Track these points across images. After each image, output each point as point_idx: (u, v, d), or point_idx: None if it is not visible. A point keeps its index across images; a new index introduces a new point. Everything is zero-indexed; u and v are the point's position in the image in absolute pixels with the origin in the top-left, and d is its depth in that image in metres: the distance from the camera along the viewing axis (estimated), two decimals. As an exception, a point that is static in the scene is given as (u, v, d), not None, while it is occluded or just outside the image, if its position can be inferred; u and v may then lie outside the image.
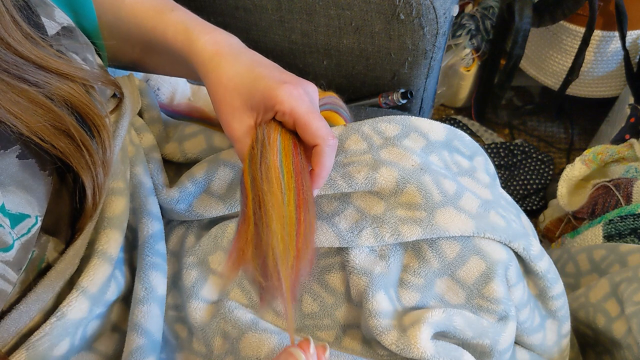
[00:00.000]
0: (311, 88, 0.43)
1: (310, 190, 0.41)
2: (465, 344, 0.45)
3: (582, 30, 1.06)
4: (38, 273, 0.37)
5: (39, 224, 0.34)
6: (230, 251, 0.37)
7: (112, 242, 0.41)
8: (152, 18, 0.46)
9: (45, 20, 0.39)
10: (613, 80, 1.16)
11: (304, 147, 0.42)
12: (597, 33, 1.06)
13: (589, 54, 1.11)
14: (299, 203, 0.38)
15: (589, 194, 0.84)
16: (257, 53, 0.45)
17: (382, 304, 0.43)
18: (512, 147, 1.30)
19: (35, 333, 0.36)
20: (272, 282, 0.34)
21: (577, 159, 0.88)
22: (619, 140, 0.95)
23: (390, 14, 0.67)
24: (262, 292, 0.35)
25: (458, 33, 1.28)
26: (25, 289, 0.36)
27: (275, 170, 0.38)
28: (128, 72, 0.57)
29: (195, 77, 0.46)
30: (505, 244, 0.46)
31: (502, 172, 1.27)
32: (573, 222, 0.88)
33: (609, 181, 0.82)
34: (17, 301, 0.35)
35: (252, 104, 0.42)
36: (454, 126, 0.56)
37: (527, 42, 1.07)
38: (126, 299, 0.45)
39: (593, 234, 0.76)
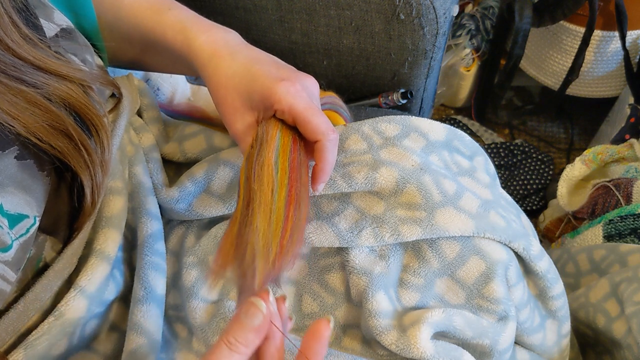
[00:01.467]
0: (309, 82, 0.43)
1: (306, 187, 0.41)
2: (465, 344, 0.45)
3: (582, 30, 1.06)
4: (36, 272, 0.37)
5: (37, 224, 0.34)
6: (217, 252, 0.36)
7: (110, 242, 0.41)
8: (151, 18, 0.46)
9: (44, 22, 0.39)
10: (613, 80, 1.16)
11: (305, 143, 0.42)
12: (597, 33, 1.06)
13: (589, 54, 1.11)
14: (290, 200, 0.38)
15: (589, 194, 0.84)
16: (254, 49, 0.45)
17: (382, 304, 0.43)
18: (512, 147, 1.30)
19: (34, 332, 0.36)
20: (246, 280, 0.33)
21: (577, 159, 0.88)
22: (619, 140, 0.95)
23: (390, 14, 0.67)
24: (239, 292, 0.35)
25: (458, 33, 1.28)
26: (23, 289, 0.36)
27: (269, 168, 0.38)
28: (127, 72, 0.57)
29: (197, 74, 0.47)
30: (505, 244, 0.46)
31: (502, 172, 1.27)
32: (573, 222, 0.88)
33: (609, 181, 0.81)
34: (15, 300, 0.35)
35: (252, 103, 0.42)
36: (454, 126, 0.56)
37: (527, 42, 1.07)
38: (125, 299, 0.45)
39: (593, 234, 0.76)
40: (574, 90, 1.19)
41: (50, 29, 0.40)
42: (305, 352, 0.31)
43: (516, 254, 0.47)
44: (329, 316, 0.34)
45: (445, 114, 1.43)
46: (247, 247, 0.34)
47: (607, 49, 1.10)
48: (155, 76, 0.69)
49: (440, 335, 0.44)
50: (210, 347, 0.44)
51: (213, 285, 0.47)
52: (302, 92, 0.40)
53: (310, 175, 0.42)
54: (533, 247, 0.47)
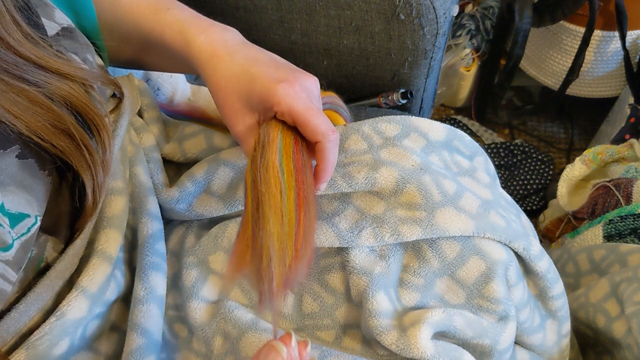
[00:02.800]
0: (308, 81, 0.42)
1: (312, 188, 0.41)
2: (465, 344, 0.45)
3: (582, 30, 1.06)
4: (37, 273, 0.37)
5: (39, 223, 0.34)
6: (230, 255, 0.36)
7: (112, 242, 0.41)
8: (149, 18, 0.46)
9: (45, 21, 0.39)
10: (613, 80, 1.16)
11: (307, 143, 0.42)
12: (597, 33, 1.06)
13: (589, 54, 1.11)
14: (299, 202, 0.38)
15: (589, 194, 0.84)
16: (253, 48, 0.44)
17: (382, 304, 0.43)
18: (512, 147, 1.30)
19: (35, 333, 0.36)
20: (265, 284, 0.33)
21: (577, 159, 0.88)
22: (619, 140, 0.95)
23: (390, 14, 0.67)
24: (260, 295, 0.35)
25: (458, 33, 1.28)
26: (25, 289, 0.36)
27: (274, 170, 0.38)
28: (128, 72, 0.57)
29: (197, 73, 0.47)
30: (505, 244, 0.46)
31: (502, 172, 1.27)
32: (573, 222, 0.88)
33: (609, 181, 0.81)
34: (17, 301, 0.35)
35: (251, 104, 0.42)
36: (454, 126, 0.56)
37: (527, 42, 1.07)
38: (126, 299, 0.45)
39: (593, 234, 0.76)
40: (574, 90, 1.19)
41: (51, 28, 0.40)
42: None
43: (516, 254, 0.47)
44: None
45: (445, 114, 1.43)
46: (263, 251, 0.34)
47: (607, 49, 1.10)
48: (155, 76, 0.69)
49: (440, 335, 0.44)
50: (210, 347, 0.44)
51: (227, 289, 0.47)
52: (301, 94, 0.40)
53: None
54: (533, 247, 0.47)
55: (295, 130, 0.42)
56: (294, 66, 0.44)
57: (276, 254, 0.34)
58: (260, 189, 0.37)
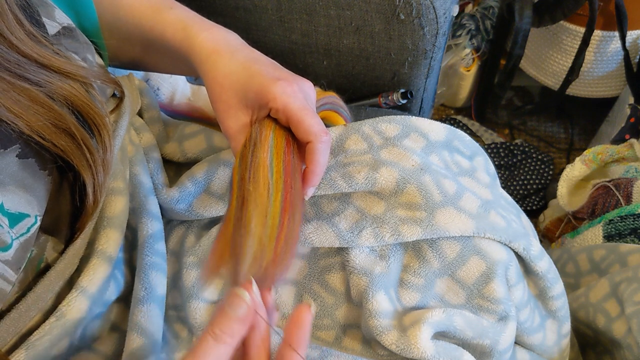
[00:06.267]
0: (306, 85, 0.43)
1: (300, 193, 0.40)
2: (465, 344, 0.45)
3: (582, 30, 1.06)
4: (37, 273, 0.37)
5: (38, 223, 0.34)
6: (210, 253, 0.36)
7: (112, 242, 0.41)
8: (151, 17, 0.46)
9: (45, 20, 0.39)
10: (613, 80, 1.16)
11: (297, 145, 0.42)
12: (597, 33, 1.06)
13: (589, 54, 1.11)
14: (285, 206, 0.37)
15: (589, 194, 0.84)
16: (255, 50, 0.45)
17: (382, 304, 0.43)
18: (512, 147, 1.30)
19: (35, 333, 0.36)
20: (238, 283, 0.33)
21: (577, 159, 0.88)
22: (619, 140, 0.95)
23: (390, 14, 0.67)
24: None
25: (458, 33, 1.28)
26: (25, 289, 0.36)
27: (264, 169, 0.38)
28: (128, 72, 0.57)
29: (196, 74, 0.47)
30: (505, 244, 0.46)
31: (502, 172, 1.27)
32: (573, 222, 0.88)
33: (609, 181, 0.81)
34: (17, 301, 0.35)
35: (247, 101, 0.42)
36: (454, 126, 0.56)
37: (527, 42, 1.07)
38: (126, 299, 0.45)
39: (593, 234, 0.76)
40: (574, 90, 1.19)
41: (51, 27, 0.40)
42: (289, 340, 0.31)
43: (516, 254, 0.47)
44: (309, 301, 0.33)
45: (445, 114, 1.43)
46: (241, 250, 0.34)
47: (607, 49, 1.10)
48: (155, 76, 0.69)
49: (440, 335, 0.44)
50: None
51: (206, 284, 0.46)
52: (298, 93, 0.40)
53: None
54: (533, 247, 0.47)
55: (287, 131, 0.42)
56: (292, 72, 0.44)
57: (252, 255, 0.33)
58: (248, 187, 0.37)
